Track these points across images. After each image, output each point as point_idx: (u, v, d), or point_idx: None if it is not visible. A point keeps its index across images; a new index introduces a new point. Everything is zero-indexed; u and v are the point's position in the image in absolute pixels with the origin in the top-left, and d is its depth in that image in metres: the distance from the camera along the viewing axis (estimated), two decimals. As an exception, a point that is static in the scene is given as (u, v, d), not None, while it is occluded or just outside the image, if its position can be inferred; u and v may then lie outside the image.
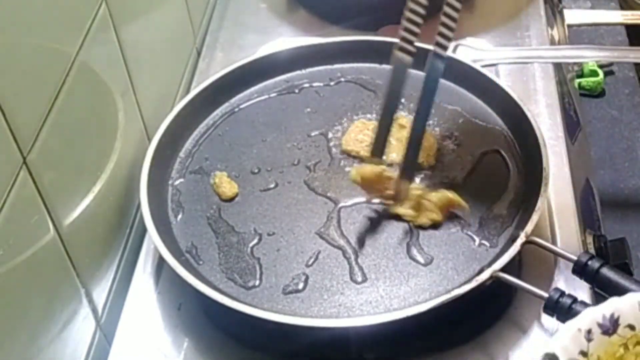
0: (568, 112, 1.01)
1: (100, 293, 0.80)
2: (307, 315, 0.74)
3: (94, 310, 0.78)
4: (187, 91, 1.02)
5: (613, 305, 0.61)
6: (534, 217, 0.76)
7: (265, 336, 0.75)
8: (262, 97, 0.97)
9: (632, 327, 0.61)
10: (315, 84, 0.98)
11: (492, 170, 0.86)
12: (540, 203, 0.77)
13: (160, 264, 0.82)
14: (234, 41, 1.11)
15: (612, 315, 0.61)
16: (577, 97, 1.11)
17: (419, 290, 0.76)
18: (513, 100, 0.89)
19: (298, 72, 0.99)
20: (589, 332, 0.60)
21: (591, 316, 0.61)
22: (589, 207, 0.92)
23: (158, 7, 0.97)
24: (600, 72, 1.26)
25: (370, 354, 0.75)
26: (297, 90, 0.97)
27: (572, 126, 0.99)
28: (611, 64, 1.28)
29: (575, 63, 1.20)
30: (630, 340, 0.61)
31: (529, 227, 0.75)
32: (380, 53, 0.99)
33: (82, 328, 0.75)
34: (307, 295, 0.76)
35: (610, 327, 0.60)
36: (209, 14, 1.16)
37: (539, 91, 0.99)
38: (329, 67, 1.00)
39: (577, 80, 1.25)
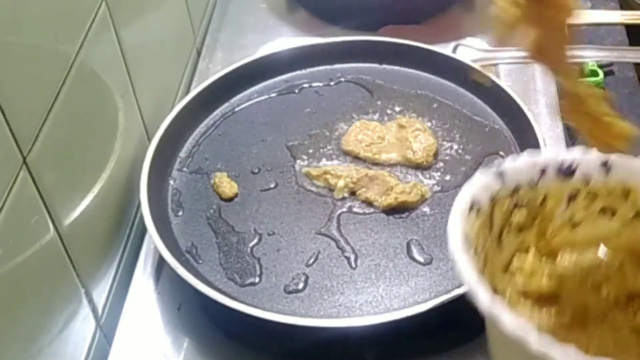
0: (568, 112, 1.01)
1: (100, 293, 0.80)
2: (307, 315, 0.74)
3: (94, 310, 0.78)
4: (187, 91, 1.02)
5: (576, 155, 0.62)
6: (534, 217, 0.76)
7: (265, 336, 0.75)
8: (262, 97, 0.97)
9: (587, 180, 0.62)
10: (315, 84, 0.98)
11: (492, 170, 0.86)
12: (540, 203, 0.77)
13: (160, 264, 0.82)
14: (234, 41, 1.11)
15: (571, 164, 0.61)
16: (577, 97, 1.11)
17: (419, 290, 0.76)
18: (513, 100, 0.89)
19: (298, 72, 0.99)
20: (544, 169, 0.61)
21: (552, 157, 0.62)
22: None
23: (158, 7, 0.97)
24: (600, 72, 1.26)
25: (370, 354, 0.75)
26: (297, 90, 0.97)
27: (572, 126, 0.99)
28: (611, 64, 1.27)
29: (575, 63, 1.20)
30: (582, 191, 0.62)
31: (529, 227, 0.75)
32: (380, 53, 0.99)
33: (82, 328, 0.75)
34: (307, 295, 0.76)
35: (564, 171, 0.61)
36: (209, 14, 1.16)
37: (539, 91, 0.99)
38: (329, 67, 1.00)
39: (577, 80, 1.25)
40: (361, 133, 0.90)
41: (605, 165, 0.62)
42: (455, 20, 1.12)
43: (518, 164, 0.62)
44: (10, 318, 0.63)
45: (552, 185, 0.62)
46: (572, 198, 0.63)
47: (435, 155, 0.88)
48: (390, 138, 0.89)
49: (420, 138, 0.88)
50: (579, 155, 0.62)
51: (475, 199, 0.60)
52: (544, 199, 0.62)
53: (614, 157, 0.62)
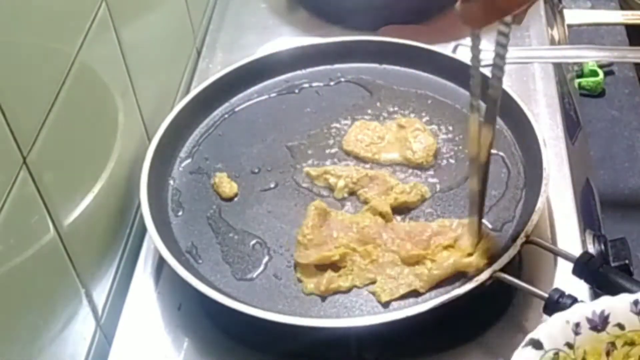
0: (568, 112, 1.01)
1: (100, 293, 0.80)
2: (307, 315, 0.74)
3: (94, 310, 0.78)
4: (187, 91, 1.02)
5: (605, 303, 0.61)
6: (534, 217, 0.76)
7: (265, 336, 0.75)
8: (262, 97, 0.97)
9: (621, 327, 0.60)
10: (315, 84, 0.98)
11: (492, 171, 0.86)
12: (540, 203, 0.77)
13: (160, 264, 0.82)
14: (234, 41, 1.11)
15: (602, 313, 0.60)
16: (577, 97, 1.11)
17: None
18: (513, 100, 0.89)
19: (298, 72, 0.99)
20: (577, 325, 0.60)
21: (581, 311, 0.61)
22: (589, 207, 0.92)
23: (158, 7, 0.97)
24: (600, 72, 1.26)
25: (370, 354, 0.75)
26: (297, 90, 0.97)
27: (572, 126, 0.99)
28: (611, 64, 1.28)
29: (575, 63, 1.20)
30: (619, 339, 0.60)
31: (529, 227, 0.75)
32: (380, 53, 0.99)
33: (82, 328, 0.75)
34: (307, 295, 0.76)
35: (599, 323, 0.60)
36: (209, 14, 1.16)
37: (539, 91, 0.99)
38: (329, 67, 1.00)
39: (577, 80, 1.25)
40: (361, 133, 0.90)
41: (637, 305, 0.61)
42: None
43: (551, 327, 0.60)
44: (10, 318, 0.63)
45: (589, 341, 0.60)
46: (610, 350, 0.61)
47: (435, 155, 0.88)
48: (390, 138, 0.89)
49: (420, 138, 0.88)
50: (607, 302, 0.61)
51: None
52: (583, 358, 0.60)
53: None
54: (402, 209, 0.82)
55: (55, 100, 0.69)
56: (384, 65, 0.99)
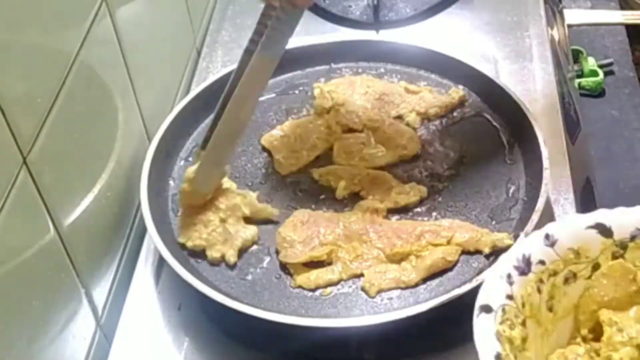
0: (568, 112, 1.01)
1: (100, 293, 0.80)
2: (307, 315, 0.74)
3: (94, 310, 0.78)
4: (187, 91, 1.02)
5: (523, 246, 0.65)
6: (534, 217, 0.76)
7: (265, 336, 0.75)
8: (262, 97, 0.96)
9: (542, 263, 0.64)
10: (315, 84, 0.98)
11: (492, 171, 0.86)
12: (540, 203, 0.77)
13: (160, 264, 0.82)
14: (234, 41, 1.11)
15: (524, 256, 0.64)
16: (577, 97, 1.11)
17: (419, 290, 0.76)
18: (513, 100, 0.89)
19: (298, 72, 0.99)
20: (509, 276, 0.63)
21: (508, 262, 0.64)
22: (589, 207, 0.92)
23: (158, 8, 0.97)
24: (600, 72, 1.26)
25: (370, 354, 0.75)
26: (297, 91, 0.97)
27: (572, 126, 0.99)
28: (611, 63, 1.28)
29: (575, 63, 1.20)
30: (544, 274, 0.64)
31: (529, 227, 0.75)
32: (379, 53, 0.99)
33: (82, 328, 0.75)
34: (308, 295, 0.76)
35: (524, 267, 0.63)
36: (209, 14, 1.16)
37: (539, 91, 0.99)
38: (329, 67, 1.00)
39: (577, 80, 1.25)
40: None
41: (548, 238, 0.65)
42: (455, 20, 1.12)
43: (490, 287, 0.63)
44: (10, 318, 0.63)
45: (522, 285, 0.63)
46: (540, 287, 0.64)
47: (435, 154, 0.88)
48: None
49: (400, 131, 0.89)
50: (524, 244, 0.65)
51: None
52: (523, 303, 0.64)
53: (552, 228, 0.65)
54: (401, 209, 0.82)
55: (55, 100, 0.69)
56: (384, 65, 0.99)
